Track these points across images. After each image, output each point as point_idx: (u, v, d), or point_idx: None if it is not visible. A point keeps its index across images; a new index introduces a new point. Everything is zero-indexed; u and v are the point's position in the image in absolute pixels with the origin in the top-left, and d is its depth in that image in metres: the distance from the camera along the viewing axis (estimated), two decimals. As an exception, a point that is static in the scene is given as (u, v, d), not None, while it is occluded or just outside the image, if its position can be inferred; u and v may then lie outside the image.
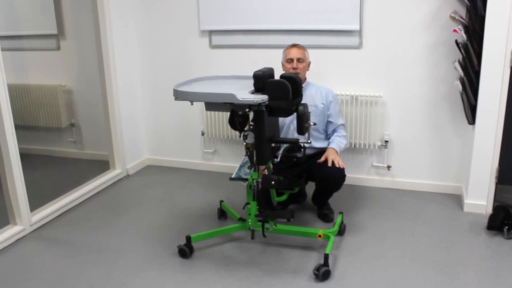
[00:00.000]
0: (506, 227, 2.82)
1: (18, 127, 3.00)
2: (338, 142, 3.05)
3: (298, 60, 3.01)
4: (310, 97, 3.05)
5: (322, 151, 3.11)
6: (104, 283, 2.49)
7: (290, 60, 3.01)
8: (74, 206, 3.45)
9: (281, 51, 3.13)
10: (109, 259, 2.73)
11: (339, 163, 2.87)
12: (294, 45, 3.08)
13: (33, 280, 2.53)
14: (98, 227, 3.13)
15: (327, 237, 2.64)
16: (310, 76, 3.16)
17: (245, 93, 2.39)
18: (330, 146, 3.02)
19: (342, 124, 3.15)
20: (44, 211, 3.23)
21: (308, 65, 3.12)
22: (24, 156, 3.08)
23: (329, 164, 2.86)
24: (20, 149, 3.00)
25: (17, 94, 4.34)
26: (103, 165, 4.04)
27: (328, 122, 3.12)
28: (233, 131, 3.29)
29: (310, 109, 2.68)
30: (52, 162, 4.48)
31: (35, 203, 3.19)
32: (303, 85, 2.93)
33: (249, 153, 2.58)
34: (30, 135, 4.51)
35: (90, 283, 2.49)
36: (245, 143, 2.55)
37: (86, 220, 3.24)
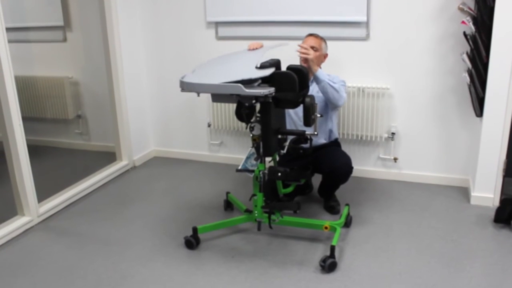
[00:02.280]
0: (513, 220, 2.81)
1: (25, 119, 3.01)
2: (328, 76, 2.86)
3: (312, 48, 2.96)
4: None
5: (329, 143, 3.11)
6: (111, 273, 2.51)
7: None
8: (81, 197, 3.47)
9: (287, 42, 3.10)
10: (116, 250, 2.75)
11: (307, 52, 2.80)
12: (311, 34, 3.04)
13: (41, 271, 2.56)
14: (105, 218, 3.15)
15: (333, 229, 2.65)
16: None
17: (252, 86, 2.38)
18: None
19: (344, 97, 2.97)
20: (52, 202, 3.25)
21: (324, 56, 3.06)
22: (32, 148, 3.10)
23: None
24: (27, 140, 3.01)
25: (24, 86, 4.36)
26: (109, 157, 4.06)
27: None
28: (239, 122, 3.30)
29: (315, 95, 2.66)
30: (59, 153, 4.50)
31: (43, 194, 3.21)
32: None
33: (255, 145, 2.57)
34: (37, 126, 4.53)
35: (97, 274, 2.51)
36: (251, 135, 2.55)
37: (93, 212, 3.26)
